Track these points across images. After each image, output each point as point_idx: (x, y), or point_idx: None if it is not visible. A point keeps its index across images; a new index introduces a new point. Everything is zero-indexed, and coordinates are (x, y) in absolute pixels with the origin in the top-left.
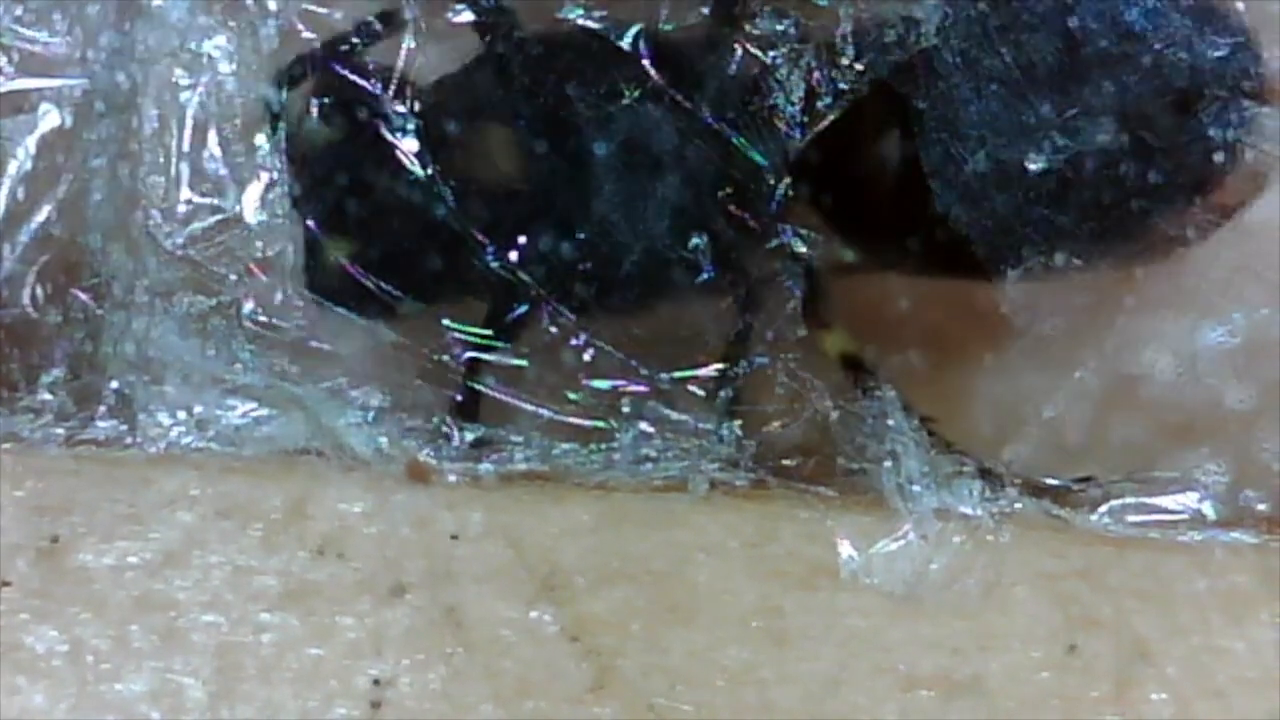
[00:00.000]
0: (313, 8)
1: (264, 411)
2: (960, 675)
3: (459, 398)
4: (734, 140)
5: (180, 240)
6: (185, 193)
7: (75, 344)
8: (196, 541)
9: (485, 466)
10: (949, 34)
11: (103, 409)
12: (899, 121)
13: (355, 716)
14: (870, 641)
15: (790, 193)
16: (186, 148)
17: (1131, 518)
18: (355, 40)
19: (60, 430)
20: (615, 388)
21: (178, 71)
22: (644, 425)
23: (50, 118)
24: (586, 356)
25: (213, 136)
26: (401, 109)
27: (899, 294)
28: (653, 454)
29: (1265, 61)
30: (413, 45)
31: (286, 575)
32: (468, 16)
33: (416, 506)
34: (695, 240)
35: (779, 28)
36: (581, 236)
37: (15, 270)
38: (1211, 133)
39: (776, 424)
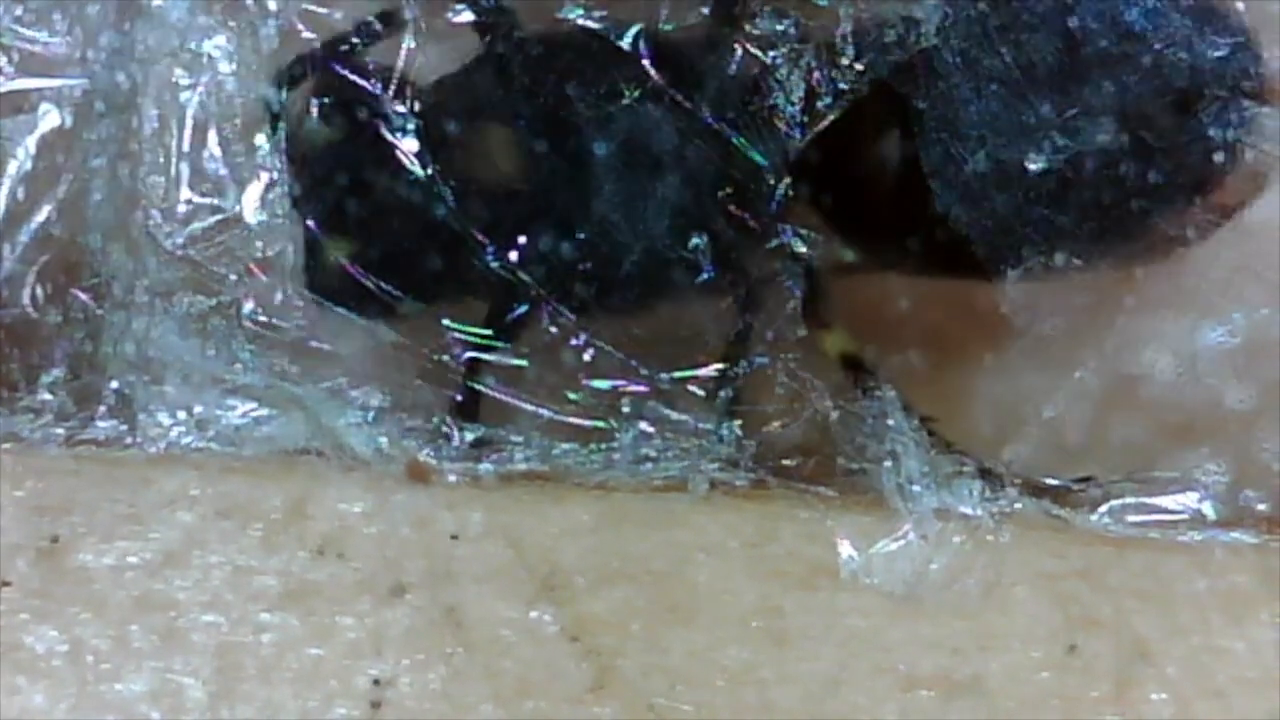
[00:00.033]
0: (313, 8)
1: (264, 411)
2: (960, 675)
3: (459, 398)
4: (734, 140)
5: (180, 240)
6: (185, 193)
7: (75, 344)
8: (196, 541)
9: (485, 466)
10: (949, 34)
11: (103, 409)
12: (899, 121)
13: (355, 716)
14: (870, 641)
15: (790, 193)
16: (186, 148)
17: (1131, 518)
18: (355, 40)
19: (60, 430)
20: (615, 388)
21: (178, 71)
22: (644, 425)
23: (50, 118)
24: (586, 356)
25: (213, 136)
26: (401, 109)
27: (899, 294)
28: (653, 454)
29: (1265, 61)
30: (413, 45)
31: (286, 575)
32: (468, 16)
33: (416, 506)
34: (695, 240)
35: (779, 28)
36: (581, 236)
37: (15, 270)
38: (1211, 133)
39: (776, 424)
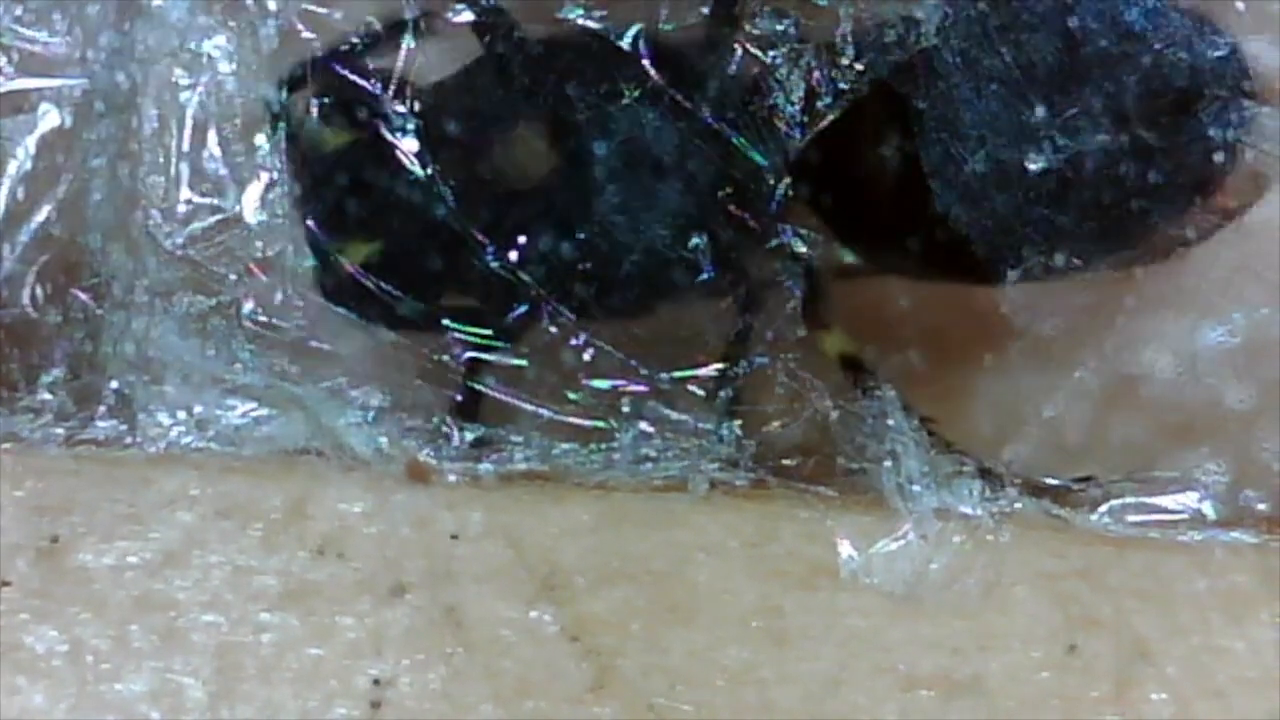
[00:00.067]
0: (313, 8)
1: (264, 411)
2: (960, 675)
3: (459, 398)
4: (734, 140)
5: (180, 240)
6: (185, 193)
7: (75, 344)
8: (196, 541)
9: (485, 466)
10: (949, 34)
11: (103, 409)
12: (899, 121)
13: (355, 716)
14: (870, 641)
15: (790, 193)
16: (186, 148)
17: (1131, 518)
18: (355, 41)
19: (60, 430)
20: (615, 388)
21: (178, 71)
22: (644, 425)
23: (50, 118)
24: (586, 356)
25: (213, 136)
26: (401, 109)
27: (899, 294)
28: (653, 454)
29: (1265, 61)
30: (413, 45)
31: (286, 575)
32: (468, 16)
33: (416, 506)
34: (695, 240)
35: (779, 28)
36: (581, 236)
37: (15, 270)
38: (1211, 133)
39: (776, 424)
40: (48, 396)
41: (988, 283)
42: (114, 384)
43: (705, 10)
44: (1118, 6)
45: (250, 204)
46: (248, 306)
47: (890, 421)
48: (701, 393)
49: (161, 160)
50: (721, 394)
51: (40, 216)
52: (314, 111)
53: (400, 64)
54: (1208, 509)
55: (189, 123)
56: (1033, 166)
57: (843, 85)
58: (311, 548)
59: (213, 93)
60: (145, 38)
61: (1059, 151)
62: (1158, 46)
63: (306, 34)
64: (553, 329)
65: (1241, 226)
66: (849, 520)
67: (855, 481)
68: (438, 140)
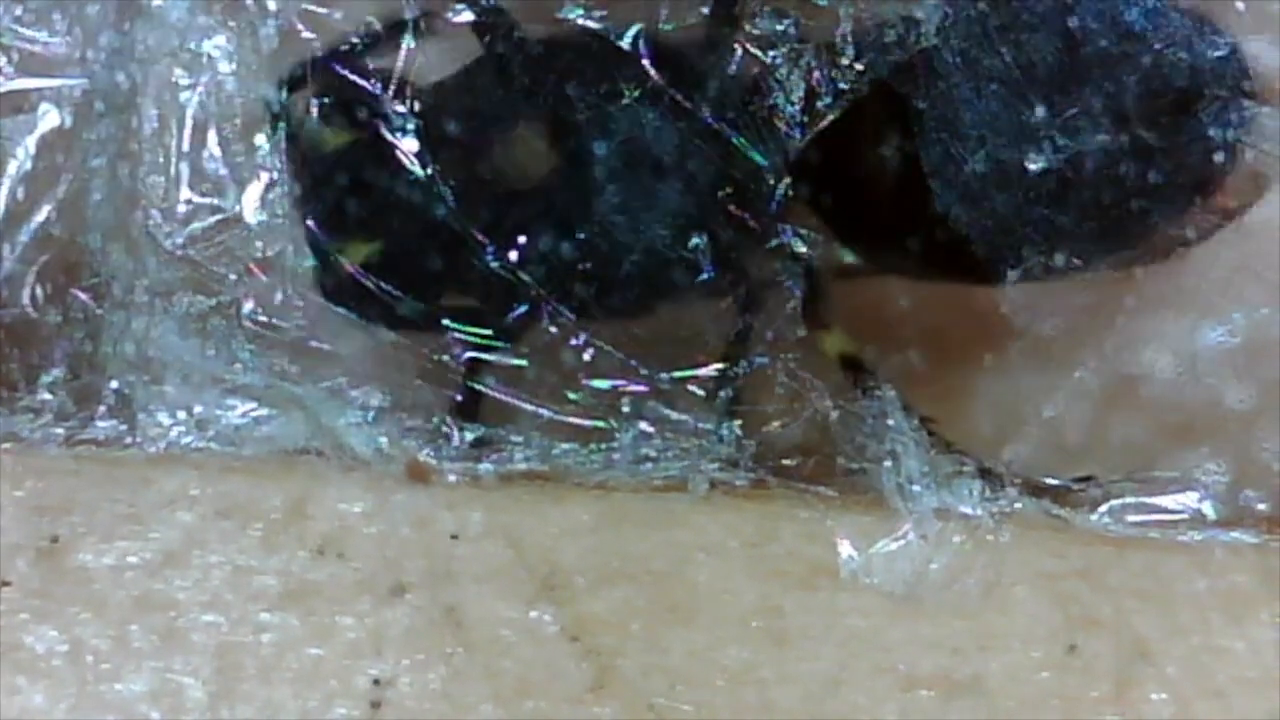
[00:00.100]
0: (313, 8)
1: (264, 411)
2: (960, 675)
3: (459, 398)
4: (734, 140)
5: (180, 240)
6: (185, 193)
7: (75, 344)
8: (196, 541)
9: (485, 466)
10: (949, 34)
11: (103, 409)
12: (899, 121)
13: (355, 716)
14: (870, 641)
15: (790, 193)
16: (186, 148)
17: (1131, 518)
18: (355, 41)
19: (60, 430)
20: (615, 388)
21: (178, 71)
22: (644, 425)
23: (50, 118)
24: (586, 356)
25: (213, 136)
26: (401, 109)
27: (899, 294)
28: (653, 454)
29: (1265, 61)
30: (413, 45)
31: (286, 575)
32: (468, 16)
33: (416, 506)
34: (695, 240)
35: (779, 28)
36: (581, 236)
37: (15, 270)
38: (1211, 133)
39: (776, 424)
40: (48, 396)
41: (988, 283)
42: (114, 384)
43: (705, 10)
44: (1118, 6)
45: (250, 204)
46: (248, 306)
47: (890, 421)
48: (701, 393)
49: (161, 160)
50: (721, 394)
51: (40, 216)
52: (314, 111)
53: (400, 64)
54: (1208, 509)
55: (189, 123)
56: (1033, 166)
57: (843, 85)
58: (311, 548)
59: (213, 93)
60: (145, 38)
61: (1059, 151)
62: (1158, 46)
63: (306, 34)
64: (553, 329)
65: (1241, 226)
66: (849, 520)
67: (855, 481)
68: (438, 140)
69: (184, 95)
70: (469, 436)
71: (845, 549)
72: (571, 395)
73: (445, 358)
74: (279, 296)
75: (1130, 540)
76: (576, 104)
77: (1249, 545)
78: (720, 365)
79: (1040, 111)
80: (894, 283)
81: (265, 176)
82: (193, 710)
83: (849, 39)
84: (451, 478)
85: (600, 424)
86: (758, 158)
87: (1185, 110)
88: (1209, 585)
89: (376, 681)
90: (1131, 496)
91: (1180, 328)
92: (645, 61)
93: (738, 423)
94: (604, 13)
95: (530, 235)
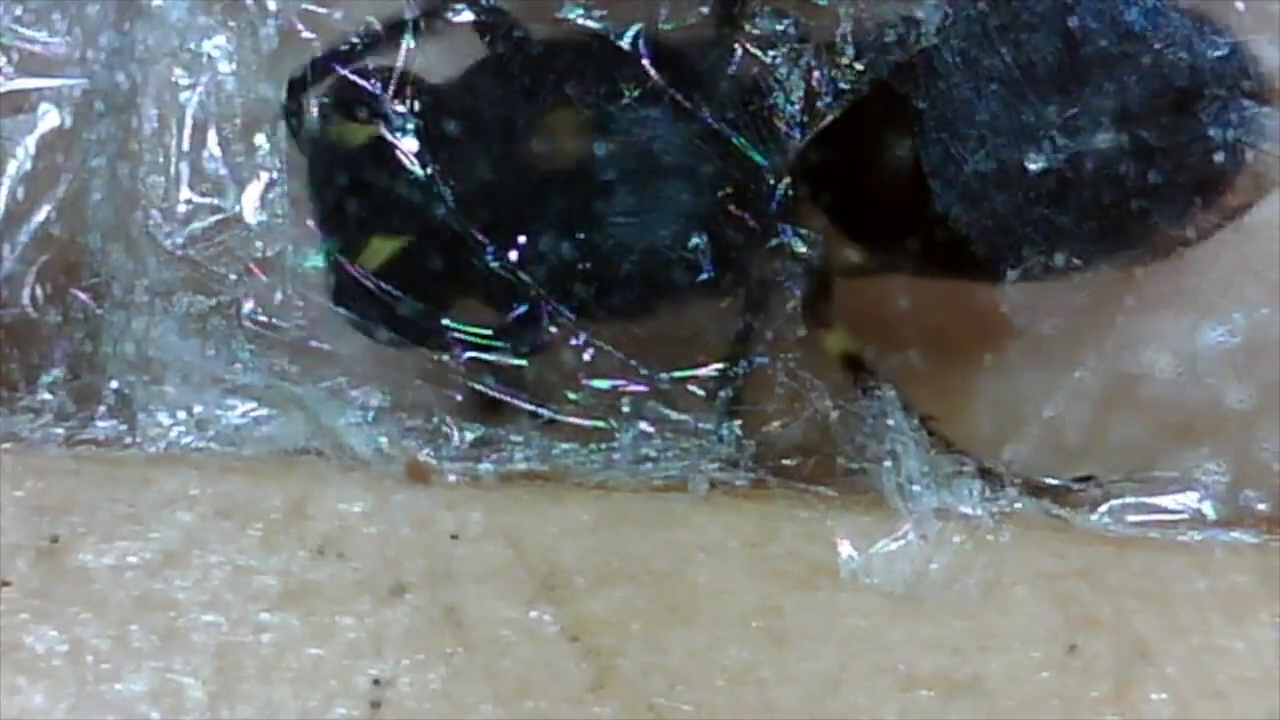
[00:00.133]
0: (313, 8)
1: (264, 411)
2: (960, 675)
3: (459, 398)
4: (734, 140)
5: (180, 240)
6: (185, 193)
7: (75, 344)
8: (196, 541)
9: (485, 466)
10: (949, 34)
11: (103, 409)
12: (899, 121)
13: (355, 716)
14: (870, 641)
15: (790, 193)
16: (186, 148)
17: (1131, 518)
18: (355, 41)
19: (60, 430)
20: (615, 388)
21: (178, 71)
22: (644, 425)
23: (50, 118)
24: (586, 356)
25: (213, 136)
26: (401, 109)
27: (899, 294)
28: (653, 454)
29: (1265, 62)
30: (413, 45)
31: (286, 575)
32: (468, 16)
33: (416, 506)
34: (695, 240)
35: (779, 28)
36: (581, 236)
37: (15, 270)
38: (1211, 133)
39: (776, 424)
40: (48, 396)
41: (988, 281)
42: (114, 384)
43: (705, 10)
44: (1118, 6)
45: (250, 204)
46: (248, 306)
47: (890, 421)
48: (701, 393)
49: (161, 160)
50: (721, 394)
51: (40, 216)
52: (326, 112)
53: (400, 63)
54: (1208, 509)
55: (189, 123)
56: (1033, 166)
57: (843, 85)
58: (311, 548)
59: (213, 93)
60: (145, 38)
61: (1059, 151)
62: (1158, 46)
63: (306, 34)
64: (553, 329)
65: (1241, 226)
66: (849, 520)
67: (855, 481)
68: (438, 140)
69: (184, 95)
70: (469, 436)
71: (845, 549)
72: (571, 395)
73: (445, 358)
74: (279, 296)
75: (1130, 540)
76: (576, 104)
77: (1249, 545)
78: (720, 365)
79: (1040, 111)
80: (894, 283)
81: (265, 176)
82: (193, 710)
83: (849, 39)
84: (451, 478)
85: (600, 424)
86: (758, 158)
87: (1186, 110)
88: (1209, 585)
89: (376, 681)
90: (1131, 496)
91: (1180, 328)
92: (645, 61)
93: (738, 423)
94: (604, 13)
95: (530, 235)
